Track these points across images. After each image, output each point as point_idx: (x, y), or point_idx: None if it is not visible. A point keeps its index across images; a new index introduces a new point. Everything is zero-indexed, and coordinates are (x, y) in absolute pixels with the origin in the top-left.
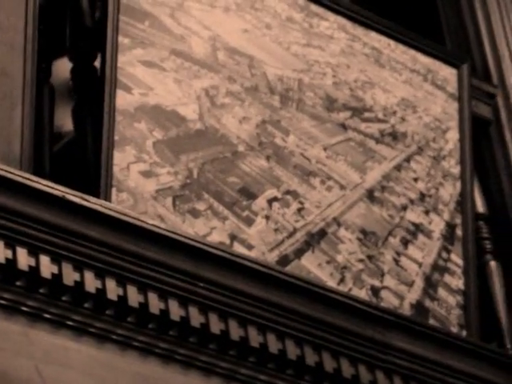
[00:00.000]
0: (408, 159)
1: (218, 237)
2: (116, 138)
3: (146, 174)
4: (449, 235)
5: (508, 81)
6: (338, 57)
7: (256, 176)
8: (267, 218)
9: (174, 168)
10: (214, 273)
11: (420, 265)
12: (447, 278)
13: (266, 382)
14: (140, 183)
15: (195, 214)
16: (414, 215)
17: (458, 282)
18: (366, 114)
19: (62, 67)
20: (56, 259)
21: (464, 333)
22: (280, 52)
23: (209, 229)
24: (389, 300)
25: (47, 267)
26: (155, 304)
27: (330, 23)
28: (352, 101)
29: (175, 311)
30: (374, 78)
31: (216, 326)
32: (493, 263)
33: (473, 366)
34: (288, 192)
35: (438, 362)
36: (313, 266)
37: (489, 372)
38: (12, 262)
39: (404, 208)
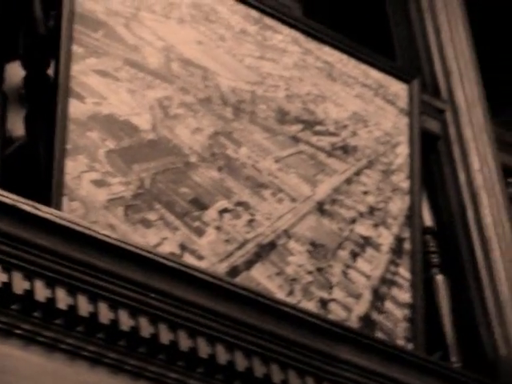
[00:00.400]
0: (358, 173)
1: (168, 247)
2: (68, 146)
3: (98, 184)
4: (397, 249)
5: (457, 96)
6: (291, 70)
7: (207, 187)
8: (218, 228)
9: (126, 178)
10: (164, 283)
11: (368, 278)
12: (395, 292)
13: None
14: (92, 192)
15: (146, 224)
16: (363, 228)
17: (405, 296)
18: (318, 128)
19: (14, 71)
20: (6, 268)
21: (410, 346)
22: (233, 64)
23: (160, 239)
24: (337, 312)
25: None
26: (105, 314)
27: (284, 36)
28: (304, 114)
29: (125, 321)
30: (326, 92)
31: (166, 336)
32: (439, 277)
33: (418, 379)
34: (239, 203)
35: (385, 374)
36: (262, 278)
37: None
38: None
39: (353, 221)
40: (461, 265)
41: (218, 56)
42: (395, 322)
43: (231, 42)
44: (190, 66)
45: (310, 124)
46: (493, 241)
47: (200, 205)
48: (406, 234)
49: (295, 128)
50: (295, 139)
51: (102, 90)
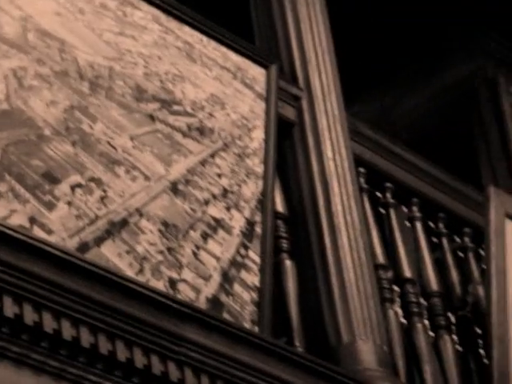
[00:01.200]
0: (213, 155)
1: (17, 220)
2: None
3: None
4: (248, 232)
5: (313, 84)
6: (150, 48)
7: (60, 161)
8: (69, 203)
9: None
10: (12, 256)
11: (218, 260)
12: (244, 274)
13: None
14: None
15: None
16: (215, 210)
17: (253, 279)
18: (175, 107)
19: None
20: None
21: (256, 329)
22: (92, 38)
23: (9, 211)
24: (185, 293)
25: None
26: None
27: (144, 13)
28: (162, 93)
29: None
30: (184, 72)
31: (10, 309)
32: (288, 262)
33: (262, 362)
34: (92, 179)
35: (230, 356)
36: (112, 255)
37: (278, 368)
38: None
39: (206, 203)
40: (309, 251)
41: (77, 29)
42: (243, 304)
43: (90, 16)
44: (47, 37)
45: (168, 103)
46: (341, 228)
47: (52, 179)
48: (258, 218)
49: (152, 106)
50: (152, 118)
51: None
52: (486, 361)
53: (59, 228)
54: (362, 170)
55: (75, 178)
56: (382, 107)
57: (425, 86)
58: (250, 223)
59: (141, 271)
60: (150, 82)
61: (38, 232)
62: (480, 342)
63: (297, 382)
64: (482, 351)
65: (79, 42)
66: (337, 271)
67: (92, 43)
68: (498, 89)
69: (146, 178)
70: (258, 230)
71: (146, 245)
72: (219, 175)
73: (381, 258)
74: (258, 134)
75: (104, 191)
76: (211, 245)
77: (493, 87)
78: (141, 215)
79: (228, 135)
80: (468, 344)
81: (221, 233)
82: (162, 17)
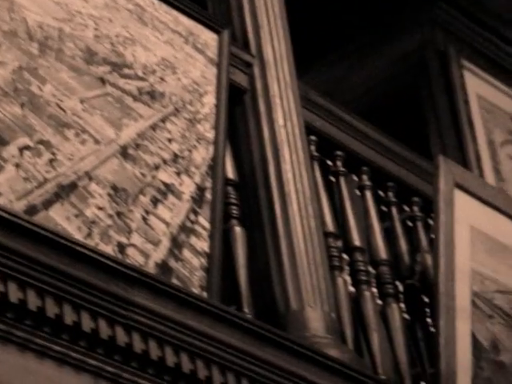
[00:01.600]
0: (164, 120)
1: None
2: None
3: None
4: (198, 198)
5: (265, 51)
6: (101, 10)
7: (9, 123)
8: (17, 166)
9: None
10: None
11: (168, 225)
12: (193, 240)
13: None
14: None
15: None
16: (165, 175)
17: (203, 245)
18: (126, 71)
19: None
20: None
21: (205, 294)
22: None
23: None
24: (134, 257)
25: None
26: None
27: None
28: (112, 56)
29: None
30: (135, 35)
31: None
32: (238, 229)
33: (211, 327)
34: (41, 142)
35: (178, 320)
36: (61, 219)
37: (226, 333)
38: None
39: (156, 167)
40: (259, 218)
41: None
42: (192, 270)
43: None
44: None
45: (118, 66)
46: (292, 196)
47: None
48: (208, 184)
49: (102, 69)
50: (102, 81)
51: None
52: (432, 329)
53: (7, 190)
54: (312, 137)
55: (23, 140)
56: (334, 78)
57: (376, 56)
58: (201, 189)
59: (89, 235)
60: (101, 45)
61: None
62: (427, 310)
63: (245, 348)
64: (428, 320)
65: (28, 1)
66: (286, 239)
67: (41, 3)
68: (448, 60)
69: (96, 141)
70: (208, 195)
71: (94, 209)
72: (170, 140)
73: (330, 226)
74: (210, 100)
75: (53, 154)
76: (161, 210)
77: (443, 59)
78: (90, 179)
79: (179, 100)
80: (415, 312)
81: (171, 198)
82: None
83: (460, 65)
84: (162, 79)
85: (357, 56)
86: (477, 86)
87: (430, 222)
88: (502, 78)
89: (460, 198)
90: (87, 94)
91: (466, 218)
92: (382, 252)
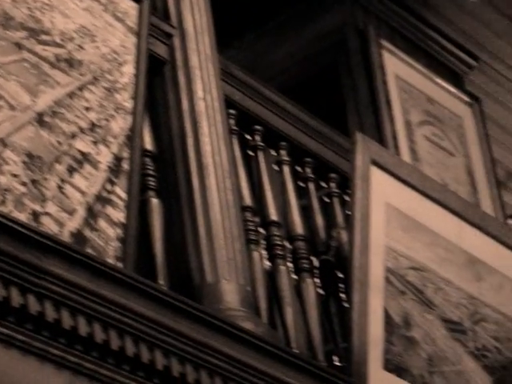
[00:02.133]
0: (82, 88)
1: None
2: None
3: None
4: (115, 168)
5: (186, 23)
6: None
7: None
8: None
9: None
10: None
11: (83, 194)
12: (109, 210)
13: None
14: None
15: None
16: (82, 144)
17: (119, 215)
18: (43, 37)
19: None
20: None
21: (120, 265)
22: None
23: None
24: (49, 226)
25: None
26: None
27: None
28: (30, 21)
29: None
30: (54, 1)
31: None
32: (155, 200)
33: (125, 298)
34: None
35: (92, 290)
36: None
37: (140, 304)
38: None
39: (73, 136)
40: (177, 190)
41: None
42: (107, 240)
43: None
44: None
45: (36, 32)
46: (210, 169)
47: None
48: (126, 155)
49: (19, 35)
50: (18, 46)
51: None
52: (346, 304)
53: None
54: (232, 111)
55: None
56: (254, 55)
57: (296, 34)
58: (118, 159)
59: (3, 202)
60: (18, 10)
61: None
62: (341, 286)
63: (159, 319)
64: (343, 295)
65: None
66: (203, 211)
67: None
68: (367, 40)
69: (11, 107)
70: (126, 166)
71: (9, 176)
72: (87, 109)
73: (248, 201)
74: (129, 69)
75: None
76: (77, 179)
77: (363, 38)
78: (5, 145)
79: (97, 69)
80: (330, 287)
81: (87, 167)
82: None
83: (379, 45)
84: (80, 47)
85: (277, 33)
86: (395, 67)
87: (347, 198)
88: (420, 60)
89: (376, 175)
90: (3, 60)
91: (382, 195)
92: (299, 227)
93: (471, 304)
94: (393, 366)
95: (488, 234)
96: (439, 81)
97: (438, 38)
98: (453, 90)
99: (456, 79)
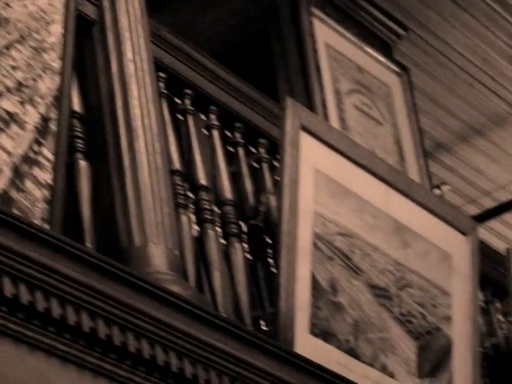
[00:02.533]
0: (8, 46)
1: None
2: None
3: None
4: (42, 129)
5: None
6: None
7: None
8: None
9: None
10: None
11: (10, 154)
12: (36, 171)
13: None
14: None
15: None
16: (8, 104)
17: (46, 177)
18: None
19: None
20: None
21: (47, 226)
22: None
23: None
24: None
25: None
26: None
27: None
28: None
29: None
30: None
31: None
32: (82, 162)
33: (52, 259)
34: None
35: (17, 251)
36: None
37: (66, 266)
38: None
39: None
40: (105, 153)
41: None
42: (34, 201)
43: None
44: None
45: None
46: (139, 131)
47: None
48: (53, 115)
49: None
50: None
51: None
52: (274, 270)
53: None
54: (162, 74)
55: None
56: (185, 19)
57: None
58: (45, 119)
59: None
60: None
61: None
62: (269, 251)
63: (85, 281)
64: (270, 260)
65: None
66: (132, 174)
67: None
68: (298, 7)
69: None
70: (53, 127)
71: None
72: (14, 68)
73: (177, 164)
74: (57, 29)
75: None
76: (3, 139)
77: (293, 5)
78: None
79: (24, 27)
80: (258, 253)
81: (13, 127)
82: None
83: (310, 12)
84: (7, 5)
85: None
86: (326, 35)
87: (276, 163)
88: (350, 29)
89: (305, 140)
90: None
91: (311, 160)
92: (227, 192)
93: (397, 270)
94: (319, 330)
95: (414, 201)
96: (369, 50)
97: (367, 7)
98: (382, 59)
99: (385, 48)
